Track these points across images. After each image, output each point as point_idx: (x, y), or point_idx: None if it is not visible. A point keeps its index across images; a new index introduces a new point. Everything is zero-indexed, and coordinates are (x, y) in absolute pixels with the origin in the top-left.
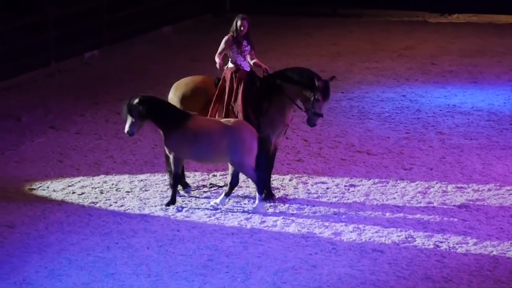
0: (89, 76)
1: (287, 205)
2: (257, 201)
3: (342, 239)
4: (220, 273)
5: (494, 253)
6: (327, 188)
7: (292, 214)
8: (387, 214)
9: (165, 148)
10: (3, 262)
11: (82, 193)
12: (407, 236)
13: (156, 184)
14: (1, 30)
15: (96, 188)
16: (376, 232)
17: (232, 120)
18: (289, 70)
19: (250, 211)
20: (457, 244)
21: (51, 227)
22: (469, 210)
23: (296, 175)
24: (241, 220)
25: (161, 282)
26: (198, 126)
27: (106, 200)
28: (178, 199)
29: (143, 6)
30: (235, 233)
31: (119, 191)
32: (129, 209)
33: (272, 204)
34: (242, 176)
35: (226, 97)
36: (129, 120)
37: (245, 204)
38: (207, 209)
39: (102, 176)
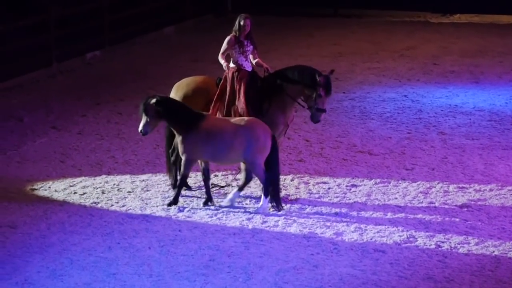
0: (91, 77)
1: (288, 205)
2: (261, 202)
3: (344, 239)
4: (221, 273)
5: (496, 253)
6: (329, 188)
7: (294, 214)
8: (389, 214)
9: (179, 149)
10: (5, 262)
11: (84, 193)
12: (408, 236)
13: (157, 184)
14: (2, 30)
15: (97, 188)
16: (378, 232)
17: (245, 118)
18: (289, 69)
19: (251, 211)
20: (458, 244)
21: (53, 227)
22: (471, 210)
23: (298, 175)
24: (243, 220)
25: (163, 282)
26: (212, 126)
27: (108, 200)
28: (180, 199)
29: (145, 7)
30: (237, 233)
31: (121, 191)
32: (130, 209)
33: (273, 204)
34: None
35: (227, 96)
36: (144, 119)
37: (246, 204)
38: (209, 209)
39: (104, 176)
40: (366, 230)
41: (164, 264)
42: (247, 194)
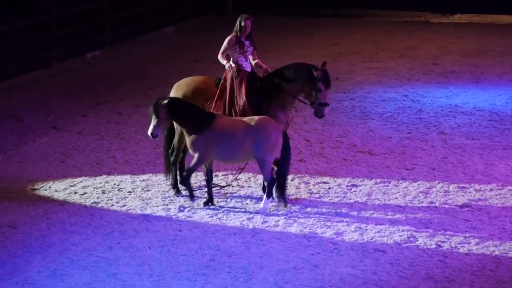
0: (91, 77)
1: (289, 205)
2: (262, 203)
3: (344, 239)
4: (222, 273)
5: (496, 253)
6: (329, 188)
7: (294, 214)
8: (389, 214)
9: (190, 149)
10: (5, 262)
11: (84, 193)
12: (409, 236)
13: (158, 184)
14: (3, 30)
15: (98, 188)
16: (378, 232)
17: (256, 117)
18: (286, 68)
19: (252, 211)
20: (459, 244)
21: (53, 227)
22: (471, 210)
23: (298, 175)
24: (243, 220)
25: (163, 282)
26: (223, 126)
27: (108, 200)
28: (180, 199)
29: (145, 7)
30: (237, 233)
31: (121, 191)
32: (131, 209)
33: (275, 204)
34: (244, 176)
35: (227, 96)
36: (154, 121)
37: (247, 204)
38: (209, 209)
39: (104, 176)
40: (367, 230)
41: (164, 264)
42: (247, 194)
